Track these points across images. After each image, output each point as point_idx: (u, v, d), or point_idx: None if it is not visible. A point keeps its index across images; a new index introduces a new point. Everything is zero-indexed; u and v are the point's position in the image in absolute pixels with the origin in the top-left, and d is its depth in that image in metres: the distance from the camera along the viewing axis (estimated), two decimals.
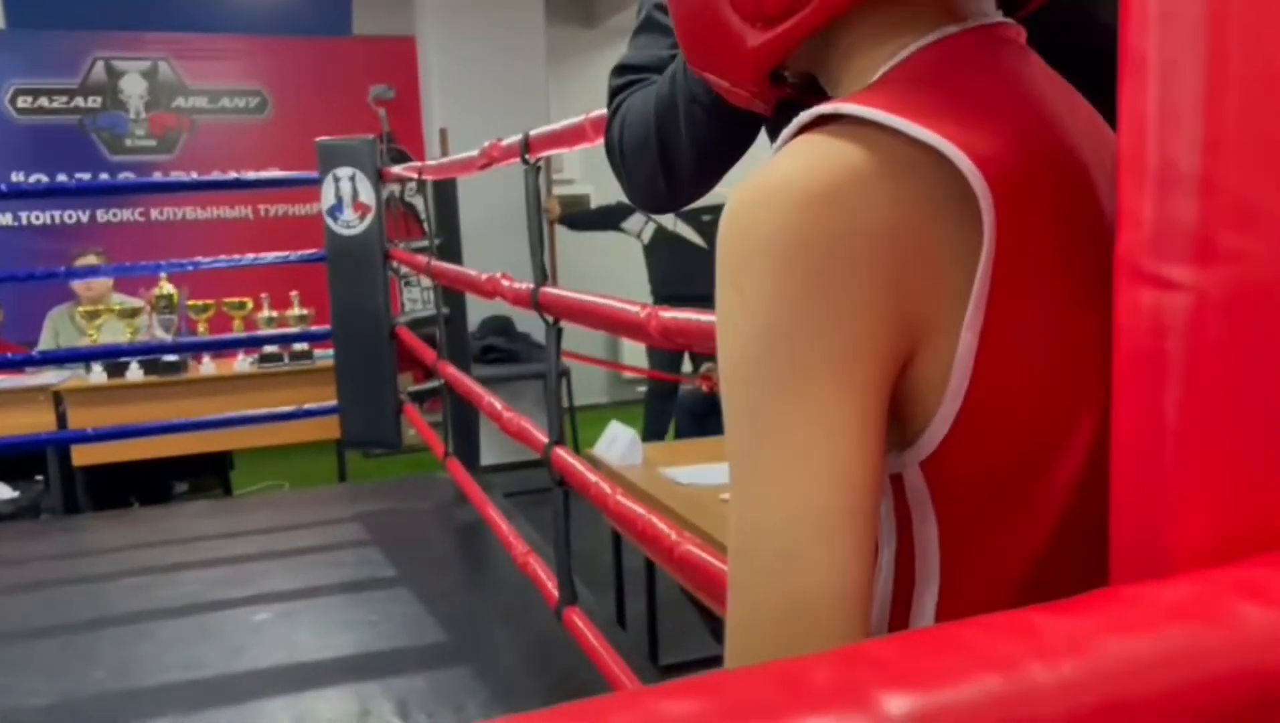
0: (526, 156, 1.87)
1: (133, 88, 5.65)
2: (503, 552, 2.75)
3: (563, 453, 1.83)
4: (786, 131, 0.49)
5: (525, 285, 1.93)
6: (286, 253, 4.12)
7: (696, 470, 2.58)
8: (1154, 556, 0.33)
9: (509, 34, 5.14)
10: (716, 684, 0.28)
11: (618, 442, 2.90)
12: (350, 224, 3.85)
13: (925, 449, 0.47)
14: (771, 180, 0.46)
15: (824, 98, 0.57)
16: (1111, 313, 0.45)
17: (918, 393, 0.47)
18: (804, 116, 0.48)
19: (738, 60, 0.54)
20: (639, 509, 1.50)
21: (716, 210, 4.13)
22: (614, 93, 0.86)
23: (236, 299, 4.41)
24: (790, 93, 0.59)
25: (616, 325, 1.46)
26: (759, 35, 0.52)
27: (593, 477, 1.68)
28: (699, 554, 1.31)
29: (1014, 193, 0.44)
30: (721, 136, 0.78)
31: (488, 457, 4.52)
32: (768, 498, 0.45)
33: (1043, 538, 0.48)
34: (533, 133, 1.85)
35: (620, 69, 0.86)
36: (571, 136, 1.63)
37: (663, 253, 4.56)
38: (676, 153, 0.80)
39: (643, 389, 5.10)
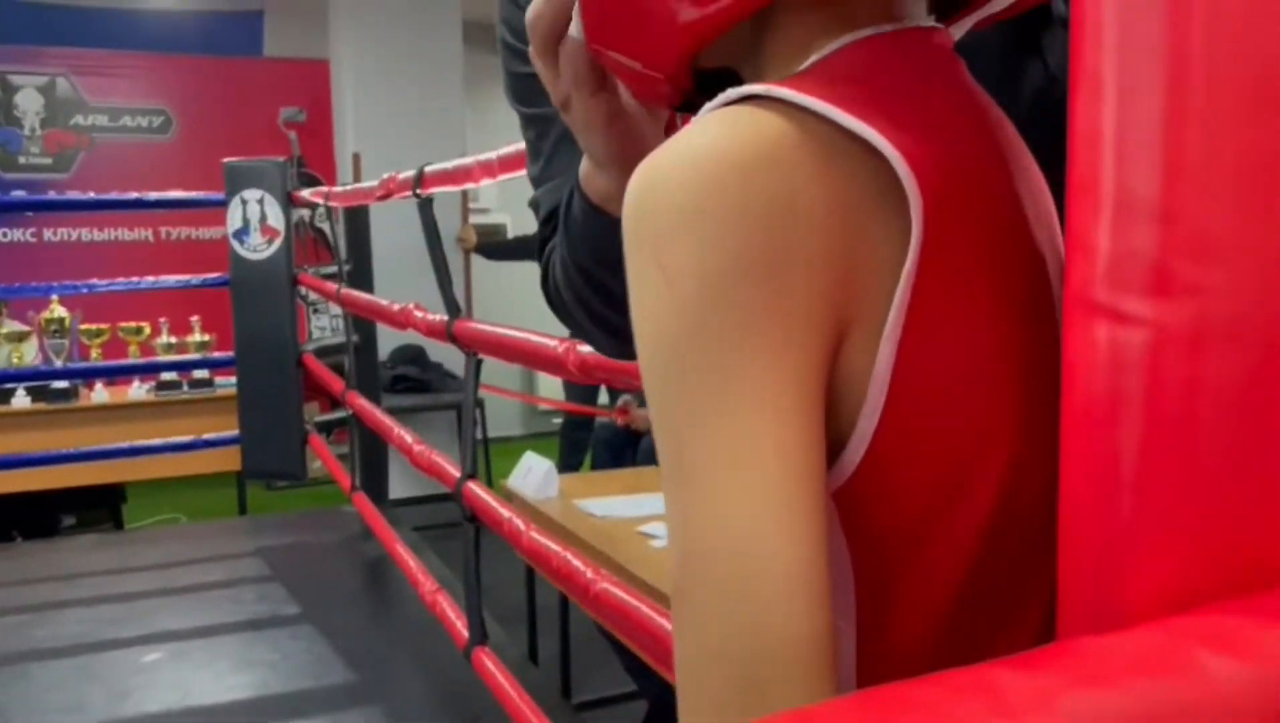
0: (419, 191, 1.84)
1: (28, 103, 5.42)
2: (411, 589, 2.66)
3: (475, 488, 1.78)
4: (706, 107, 0.45)
5: (439, 317, 1.88)
6: (189, 276, 3.98)
7: (612, 502, 2.54)
8: (1110, 605, 0.32)
9: (426, 59, 5.09)
10: None
11: (533, 473, 2.85)
12: (257, 248, 3.74)
13: (839, 476, 0.43)
14: (696, 147, 0.42)
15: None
16: (1028, 341, 0.44)
17: (832, 410, 0.43)
18: (730, 94, 0.44)
19: (662, 39, 0.48)
20: (554, 546, 1.46)
21: None
22: (541, 244, 0.80)
23: (133, 324, 4.24)
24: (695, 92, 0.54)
25: (534, 359, 1.43)
26: (694, 11, 0.47)
27: (506, 513, 1.63)
28: (615, 593, 1.28)
29: (942, 198, 0.42)
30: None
31: (396, 490, 4.40)
32: (715, 498, 0.40)
33: (963, 572, 0.45)
34: (426, 169, 1.82)
35: (540, 217, 0.80)
36: (461, 176, 1.62)
37: None
38: (604, 315, 0.75)
39: (558, 421, 5.04)
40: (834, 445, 0.43)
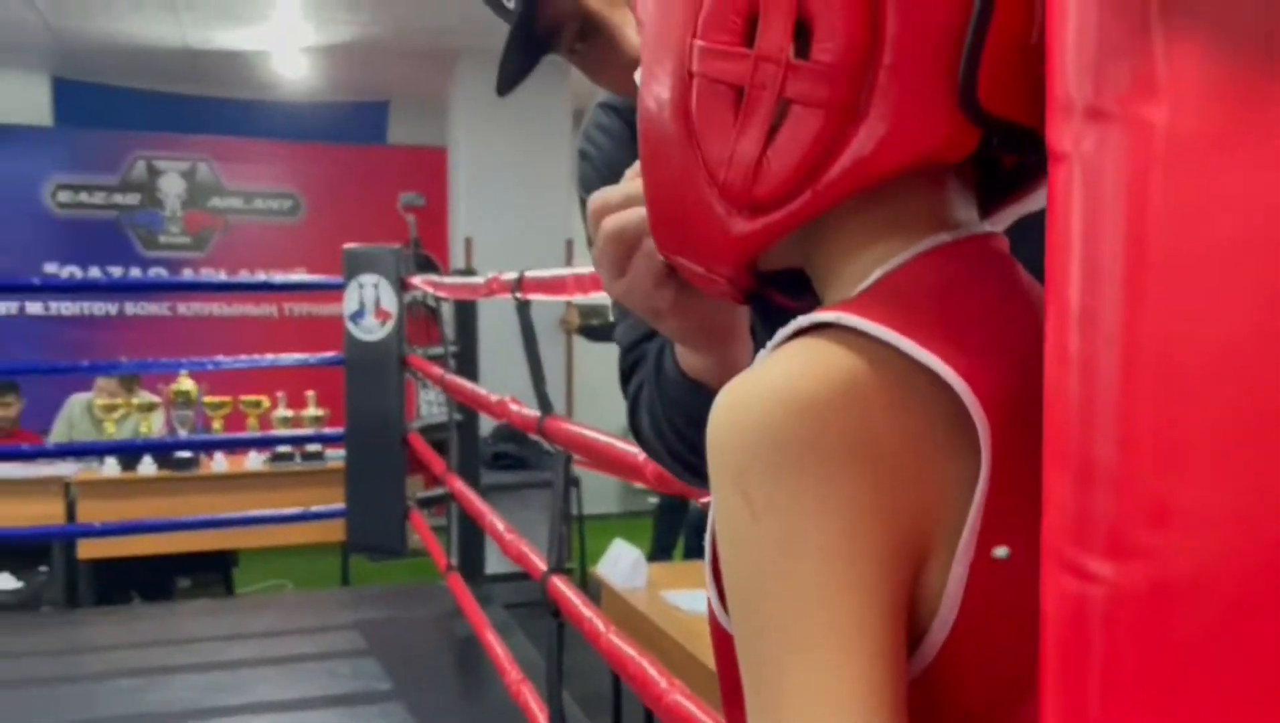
0: (518, 295, 1.93)
1: (171, 187, 5.84)
2: (496, 671, 2.70)
3: (559, 583, 1.82)
4: (781, 334, 0.48)
5: (533, 413, 1.95)
6: (306, 355, 4.18)
7: (700, 596, 2.54)
8: None
9: (536, 147, 5.29)
10: None
11: (621, 561, 2.88)
12: (371, 330, 3.91)
13: (912, 671, 0.45)
14: (774, 383, 0.45)
15: (796, 293, 0.57)
16: None
17: (909, 616, 0.45)
18: (800, 321, 0.47)
19: (718, 247, 0.51)
20: (629, 650, 1.48)
21: None
22: (625, 377, 0.85)
23: (253, 397, 4.46)
24: (761, 286, 0.57)
25: (615, 465, 1.47)
26: (745, 224, 0.50)
27: (587, 612, 1.66)
28: (687, 706, 1.29)
29: (1008, 422, 0.44)
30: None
31: (493, 565, 4.47)
32: (799, 709, 0.42)
33: None
34: (527, 275, 1.92)
35: (622, 352, 0.85)
36: (557, 287, 1.70)
37: None
38: (694, 463, 0.79)
39: (654, 500, 5.06)
40: (909, 643, 0.45)
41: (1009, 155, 0.51)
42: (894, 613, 0.43)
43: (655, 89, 0.52)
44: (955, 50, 0.45)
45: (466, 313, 4.07)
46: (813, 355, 0.45)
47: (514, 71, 0.84)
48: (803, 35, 0.47)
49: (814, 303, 0.53)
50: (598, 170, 0.89)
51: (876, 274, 0.49)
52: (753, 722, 0.44)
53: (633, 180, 0.61)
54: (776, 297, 0.58)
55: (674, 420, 0.78)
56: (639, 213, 0.59)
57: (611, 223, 0.61)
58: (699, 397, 0.71)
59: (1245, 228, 0.32)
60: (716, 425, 0.45)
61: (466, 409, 3.95)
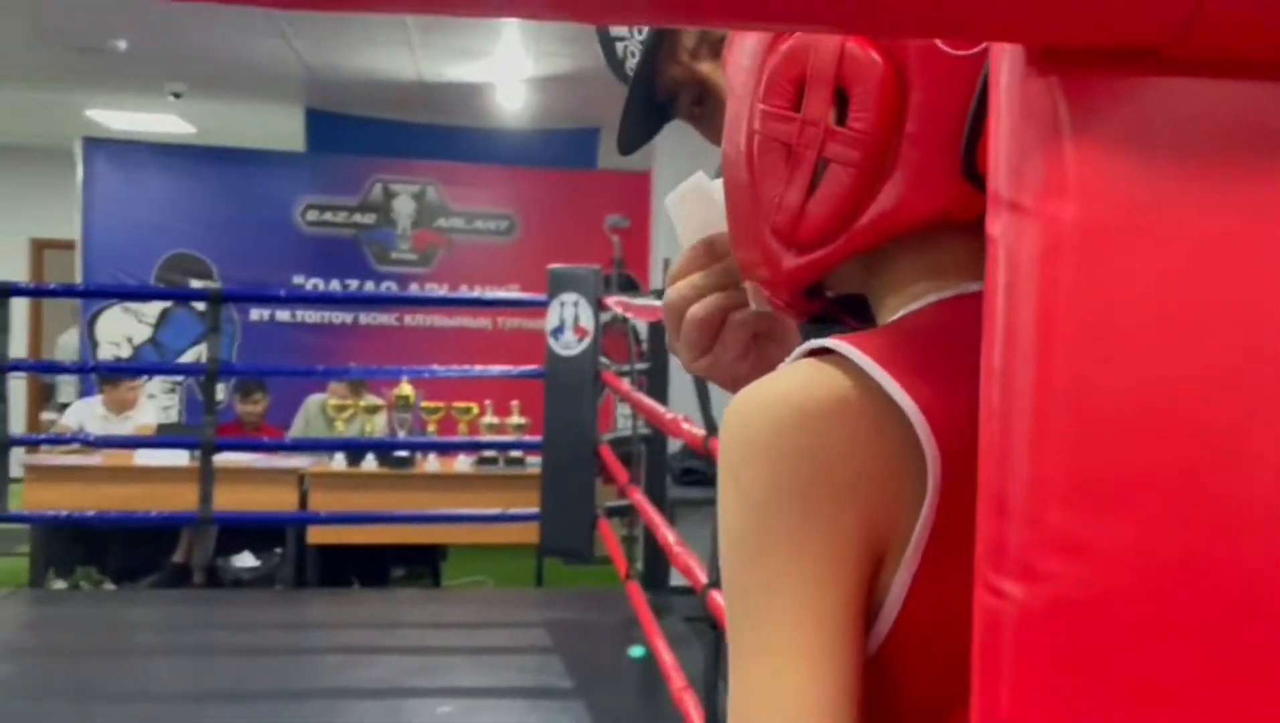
0: None
1: (403, 207, 6.36)
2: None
3: (718, 597, 1.90)
4: (796, 352, 0.56)
5: (701, 432, 2.04)
6: (510, 367, 4.46)
7: None
8: None
9: None
10: None
11: None
12: (569, 345, 4.13)
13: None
14: (775, 390, 0.54)
15: (856, 314, 0.65)
16: None
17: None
18: (809, 344, 0.55)
19: (776, 276, 0.61)
20: None
21: None
22: None
23: (464, 404, 4.80)
24: (825, 308, 0.65)
25: None
26: (793, 260, 0.59)
27: None
28: None
29: (964, 456, 0.49)
30: None
31: (676, 577, 4.59)
32: (758, 682, 0.51)
33: None
34: None
35: None
36: None
37: None
38: None
39: None
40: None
41: None
42: (850, 589, 0.51)
43: (731, 143, 0.62)
44: (964, 125, 0.52)
45: (660, 332, 4.22)
46: (809, 374, 0.54)
47: (636, 135, 0.93)
48: (842, 103, 0.55)
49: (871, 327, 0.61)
50: None
51: (900, 312, 0.57)
52: (731, 683, 0.53)
53: (695, 272, 0.72)
54: (848, 319, 0.67)
55: None
56: (716, 299, 0.71)
57: (699, 310, 0.71)
58: None
59: (1140, 302, 0.37)
60: (724, 425, 0.55)
61: (654, 425, 4.10)
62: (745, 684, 0.51)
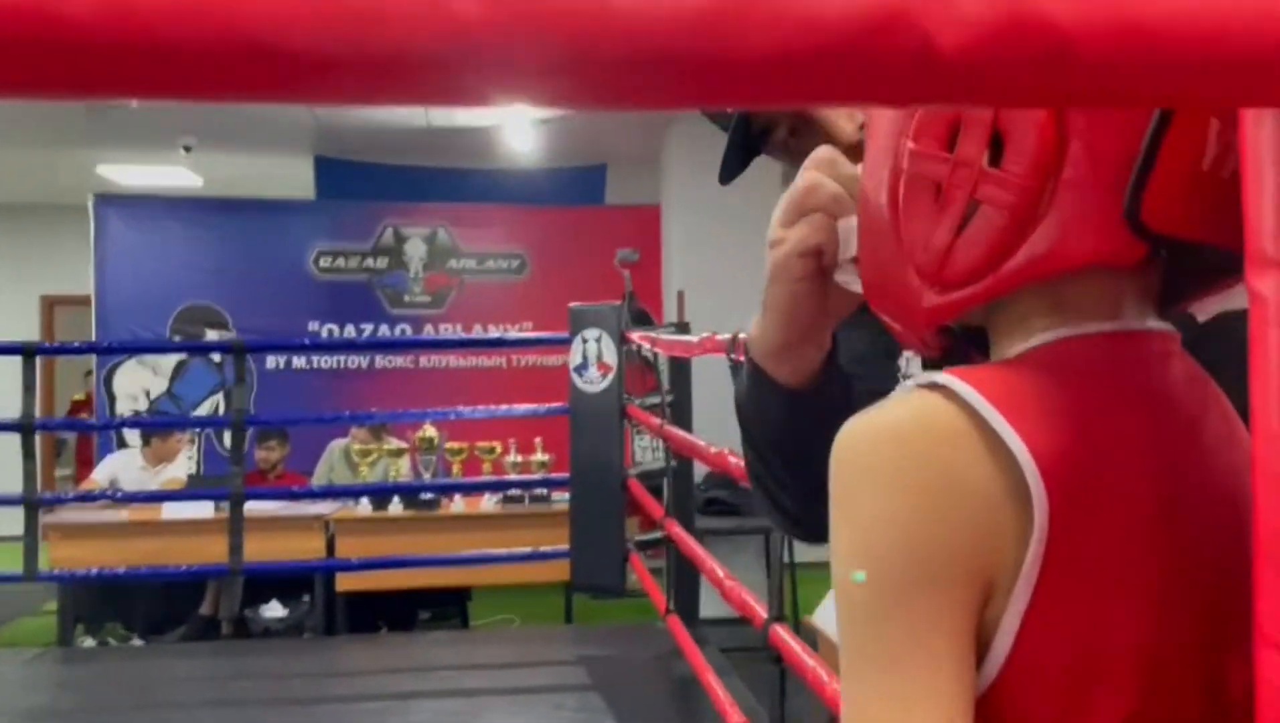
0: (732, 356, 1.99)
1: (414, 250, 6.40)
2: (715, 713, 2.79)
3: (781, 632, 1.90)
4: (908, 384, 0.56)
5: None
6: (535, 405, 4.47)
7: None
8: None
9: (748, 203, 5.42)
10: None
11: None
12: (593, 381, 4.15)
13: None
14: (884, 423, 0.54)
15: (979, 349, 0.65)
16: (1166, 617, 0.52)
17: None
18: (922, 377, 0.56)
19: (913, 314, 0.61)
20: None
21: None
22: (746, 459, 0.92)
23: (487, 443, 4.80)
24: (952, 342, 0.65)
25: None
26: (934, 297, 0.59)
27: (810, 661, 1.73)
28: None
29: (1073, 501, 0.51)
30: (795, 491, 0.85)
31: (706, 609, 4.58)
32: (872, 715, 0.51)
33: None
34: (740, 335, 1.97)
35: (742, 425, 0.91)
36: None
37: None
38: (776, 496, 0.87)
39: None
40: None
41: (1176, 265, 0.58)
42: (962, 622, 0.51)
43: (874, 180, 0.63)
44: (1126, 173, 0.52)
45: (680, 364, 4.24)
46: (920, 405, 0.54)
47: (733, 169, 0.96)
48: (996, 146, 0.56)
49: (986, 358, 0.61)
50: None
51: (1019, 349, 0.58)
52: (843, 712, 0.54)
53: (850, 173, 0.71)
54: (972, 352, 0.66)
55: (746, 421, 0.84)
56: (835, 187, 0.71)
57: (815, 177, 0.71)
58: (760, 386, 0.79)
59: None
60: (834, 452, 0.55)
61: (682, 457, 4.10)
62: (861, 687, 0.52)
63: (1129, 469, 0.54)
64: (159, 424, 5.50)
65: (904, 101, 0.34)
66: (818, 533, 0.95)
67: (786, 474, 0.84)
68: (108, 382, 6.20)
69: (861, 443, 0.54)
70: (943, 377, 0.55)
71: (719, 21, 0.26)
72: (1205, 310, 0.64)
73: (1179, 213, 0.53)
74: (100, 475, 5.00)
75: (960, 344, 0.65)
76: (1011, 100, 0.41)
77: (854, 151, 0.85)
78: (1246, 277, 0.40)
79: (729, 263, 5.42)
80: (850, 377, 0.83)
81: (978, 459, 0.52)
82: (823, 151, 0.73)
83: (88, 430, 6.49)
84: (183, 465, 5.18)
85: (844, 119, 0.88)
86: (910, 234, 0.60)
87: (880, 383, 0.83)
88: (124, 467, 4.94)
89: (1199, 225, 0.53)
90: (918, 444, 0.53)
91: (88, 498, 4.59)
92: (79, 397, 8.47)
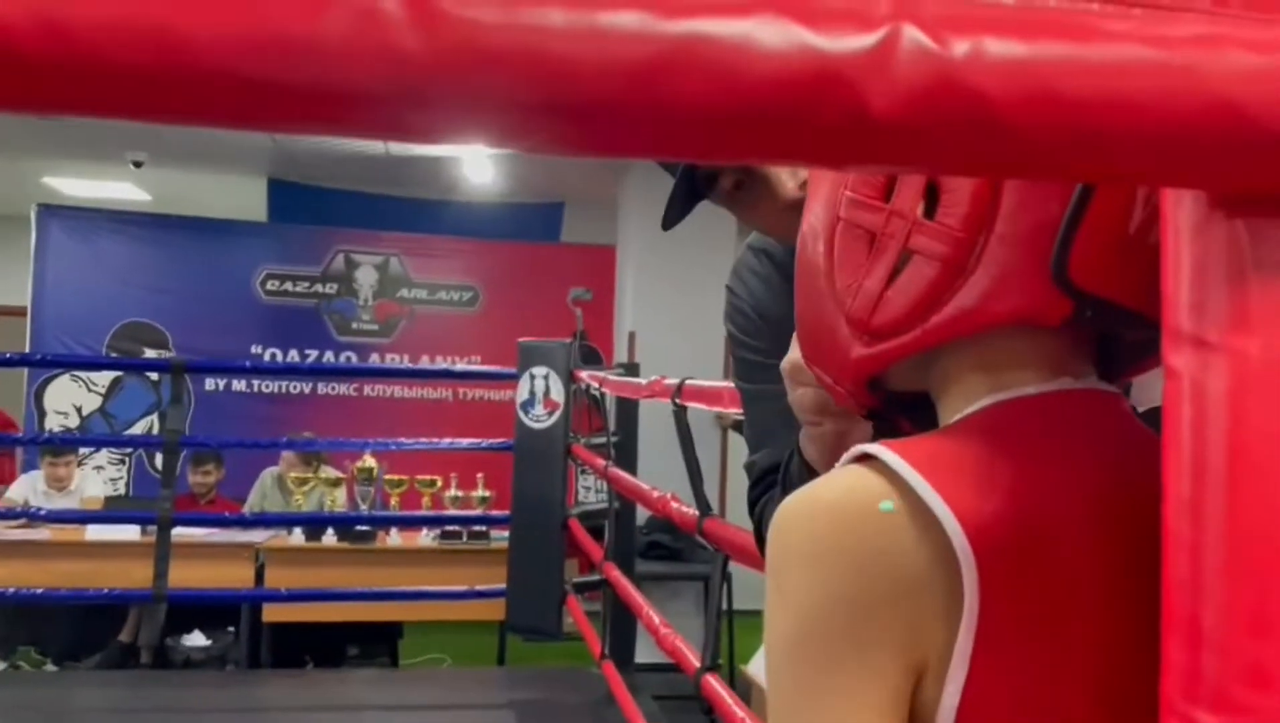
0: (677, 401, 2.04)
1: (365, 278, 6.35)
2: None
3: (714, 682, 1.88)
4: (844, 457, 0.56)
5: (692, 511, 2.05)
6: (479, 440, 4.43)
7: None
8: None
9: (701, 248, 5.48)
10: None
11: None
12: (540, 418, 4.12)
13: None
14: (816, 496, 0.54)
15: (913, 412, 0.64)
16: (1113, 676, 0.52)
17: None
18: (855, 450, 0.55)
19: (842, 365, 0.61)
20: None
21: None
22: (751, 505, 0.95)
23: (428, 477, 4.74)
24: (881, 404, 0.65)
25: None
26: (862, 349, 0.59)
27: (740, 712, 1.72)
28: None
29: (1007, 565, 0.50)
30: None
31: (642, 654, 4.53)
32: None
33: None
34: (686, 383, 2.04)
35: (752, 477, 0.94)
36: (713, 397, 1.81)
37: None
38: None
39: None
40: None
41: (1106, 328, 0.58)
42: (890, 702, 0.51)
43: (810, 226, 0.64)
44: (1054, 232, 0.52)
45: (627, 405, 4.23)
46: (850, 480, 0.54)
47: (676, 215, 0.97)
48: (932, 197, 0.56)
49: (932, 427, 0.60)
50: (744, 311, 1.01)
51: (959, 415, 0.57)
52: None
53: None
54: (902, 420, 0.66)
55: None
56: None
57: (811, 395, 0.75)
58: None
59: None
60: (772, 529, 0.55)
61: (625, 499, 4.08)
62: None
63: (1067, 529, 0.53)
64: (83, 442, 5.35)
65: (836, 162, 0.35)
66: None
67: None
68: (38, 396, 6.03)
69: (796, 518, 0.54)
70: (873, 447, 0.54)
71: (656, 73, 0.26)
72: (1143, 396, 0.65)
73: (1104, 272, 0.53)
74: (15, 493, 4.84)
75: (891, 406, 0.65)
76: (941, 166, 0.42)
77: (794, 208, 0.86)
78: (1163, 350, 0.41)
79: (681, 307, 5.46)
80: None
81: (905, 532, 0.51)
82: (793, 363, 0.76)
83: (12, 444, 6.29)
84: (95, 485, 5.04)
85: (786, 175, 0.89)
86: (844, 281, 0.60)
87: None
88: (32, 488, 4.79)
89: (1125, 288, 0.54)
90: (848, 518, 0.52)
91: (8, 516, 4.43)
92: None
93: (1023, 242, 0.54)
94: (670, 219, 0.96)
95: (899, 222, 0.57)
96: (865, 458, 0.55)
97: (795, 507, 0.55)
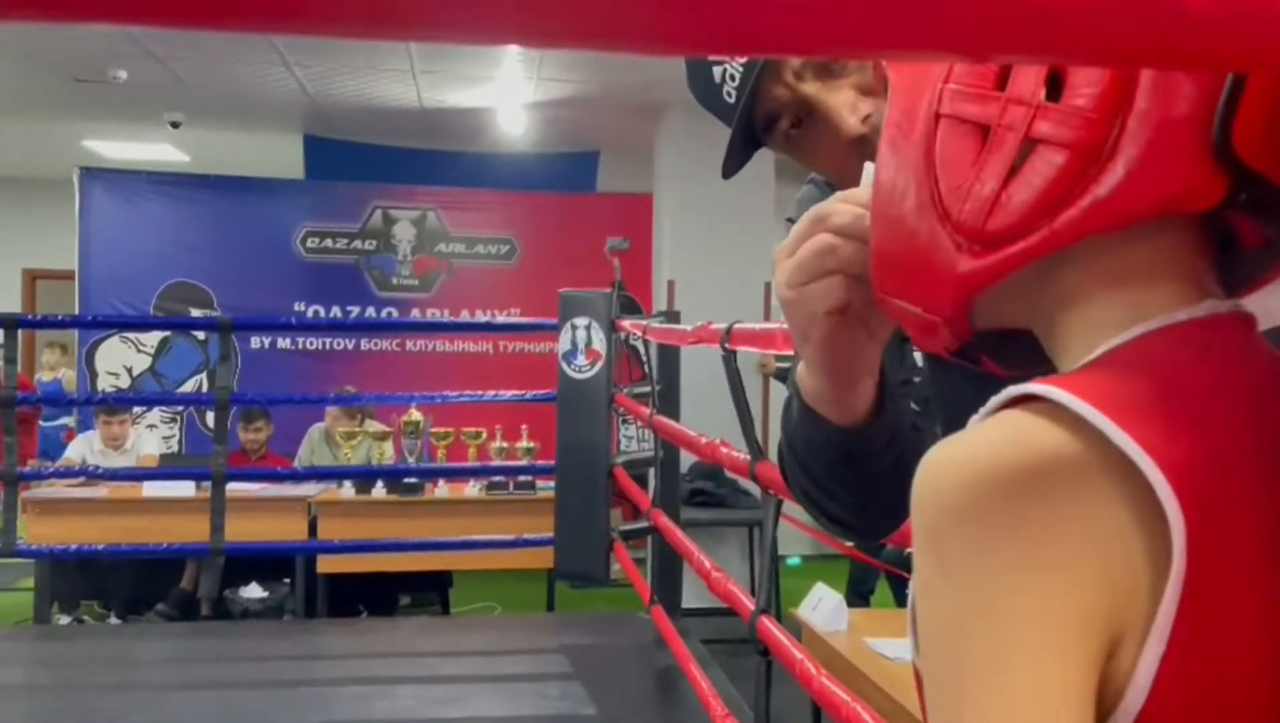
0: (726, 345, 1.99)
1: (403, 233, 6.35)
2: (698, 703, 2.78)
3: (769, 624, 1.89)
4: (993, 402, 0.48)
5: (744, 456, 2.04)
6: (523, 391, 4.45)
7: (904, 645, 2.55)
8: None
9: (740, 194, 5.41)
10: None
11: (823, 605, 2.91)
12: (582, 369, 4.13)
13: None
14: (975, 452, 0.45)
15: (1010, 363, 0.56)
16: None
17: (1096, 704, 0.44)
18: (1013, 391, 0.47)
19: (941, 285, 0.52)
20: (844, 695, 1.53)
21: None
22: (783, 468, 0.90)
23: (473, 429, 4.78)
24: (975, 347, 0.57)
25: None
26: (972, 260, 0.51)
27: (799, 654, 1.72)
28: None
29: (1210, 518, 0.43)
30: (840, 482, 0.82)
31: (688, 599, 4.58)
32: None
33: None
34: (735, 326, 1.97)
35: (784, 446, 0.88)
36: (765, 340, 1.75)
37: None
38: (821, 501, 0.86)
39: (850, 543, 5.03)
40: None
41: (1252, 219, 0.50)
42: (1078, 682, 0.43)
43: (892, 139, 0.55)
44: (1211, 99, 0.45)
45: (669, 353, 4.22)
46: (1018, 428, 0.46)
47: (736, 162, 0.94)
48: (1053, 84, 0.48)
49: (1024, 375, 0.51)
50: None
51: (1101, 348, 0.49)
52: None
53: (861, 210, 0.63)
54: (987, 362, 0.58)
55: (797, 452, 0.83)
56: (854, 246, 0.63)
57: (826, 240, 0.65)
58: (814, 427, 0.77)
59: None
60: (918, 486, 0.47)
61: (669, 446, 4.09)
62: None
63: (1254, 474, 0.46)
64: (136, 401, 5.46)
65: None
66: (870, 533, 0.92)
67: (840, 491, 0.83)
68: (89, 357, 6.13)
69: (948, 475, 0.45)
70: (1036, 387, 0.46)
71: None
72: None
73: (1268, 146, 0.45)
74: (73, 453, 4.95)
75: (973, 347, 0.57)
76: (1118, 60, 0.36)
77: (855, 145, 0.82)
78: None
79: (719, 254, 5.41)
80: (903, 392, 0.81)
81: (1092, 484, 0.44)
82: (819, 210, 0.67)
83: (69, 406, 6.42)
84: (150, 443, 5.15)
85: (847, 110, 0.85)
86: (947, 186, 0.51)
87: (893, 374, 0.81)
88: (89, 448, 4.90)
89: None
90: (1024, 471, 0.44)
91: (68, 474, 4.54)
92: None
93: (1171, 114, 0.46)
94: (731, 167, 0.93)
95: (1018, 109, 0.49)
96: (1023, 401, 0.46)
97: (952, 460, 0.46)
